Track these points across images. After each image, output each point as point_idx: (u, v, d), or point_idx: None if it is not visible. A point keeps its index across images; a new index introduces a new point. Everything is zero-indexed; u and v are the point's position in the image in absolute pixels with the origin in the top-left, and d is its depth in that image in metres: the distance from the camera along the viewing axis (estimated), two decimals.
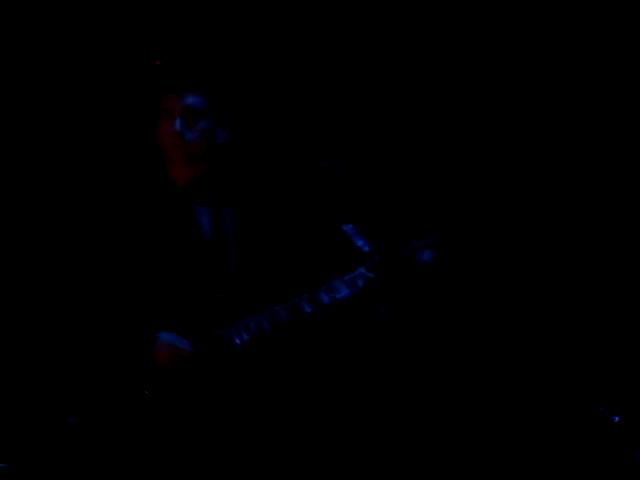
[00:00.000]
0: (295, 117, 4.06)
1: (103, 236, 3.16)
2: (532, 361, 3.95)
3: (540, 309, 3.96)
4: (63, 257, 3.19)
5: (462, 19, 4.12)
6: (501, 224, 3.95)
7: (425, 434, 3.91)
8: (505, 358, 3.96)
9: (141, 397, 3.02)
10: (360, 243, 2.90)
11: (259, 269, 3.21)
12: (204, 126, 3.17)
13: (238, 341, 3.05)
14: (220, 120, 3.22)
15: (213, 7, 4.07)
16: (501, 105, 4.05)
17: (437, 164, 4.06)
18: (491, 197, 3.98)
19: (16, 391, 3.81)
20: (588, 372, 3.87)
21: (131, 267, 3.12)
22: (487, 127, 4.06)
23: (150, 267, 3.12)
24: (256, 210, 3.29)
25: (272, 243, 3.27)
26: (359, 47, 4.06)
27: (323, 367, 3.59)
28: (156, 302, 3.08)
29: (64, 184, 3.99)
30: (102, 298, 3.09)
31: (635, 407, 3.02)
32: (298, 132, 4.02)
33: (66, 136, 4.04)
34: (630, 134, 4.06)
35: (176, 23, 4.06)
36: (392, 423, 3.91)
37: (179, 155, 3.15)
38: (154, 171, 3.26)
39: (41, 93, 4.05)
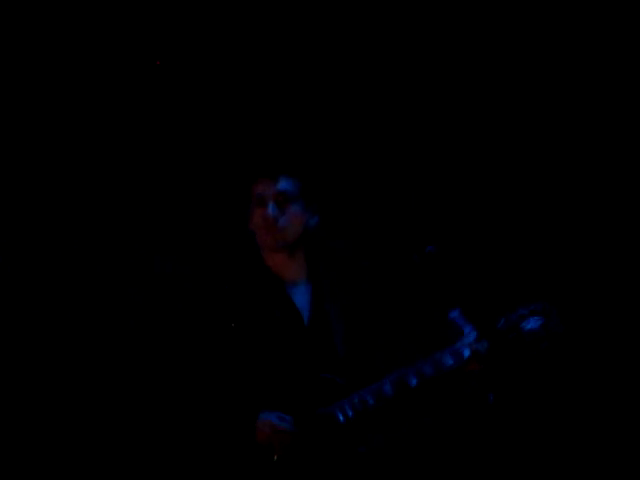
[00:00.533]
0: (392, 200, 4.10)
1: (205, 321, 3.17)
2: None
3: None
4: (170, 340, 3.22)
5: (459, 26, 4.16)
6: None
7: None
8: None
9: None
10: (467, 329, 2.87)
11: (363, 348, 3.20)
12: (296, 210, 3.19)
13: (342, 418, 3.04)
14: (312, 204, 3.24)
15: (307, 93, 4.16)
16: None
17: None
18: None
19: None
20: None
21: (233, 350, 3.12)
22: None
23: (252, 350, 3.11)
24: (358, 290, 3.27)
25: (376, 323, 3.25)
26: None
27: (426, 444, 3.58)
28: (260, 382, 3.09)
29: (168, 270, 4.12)
30: (206, 379, 3.11)
31: None
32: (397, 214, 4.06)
33: (169, 225, 4.17)
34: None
35: (270, 110, 4.14)
36: None
37: (271, 240, 3.18)
38: (250, 257, 3.27)
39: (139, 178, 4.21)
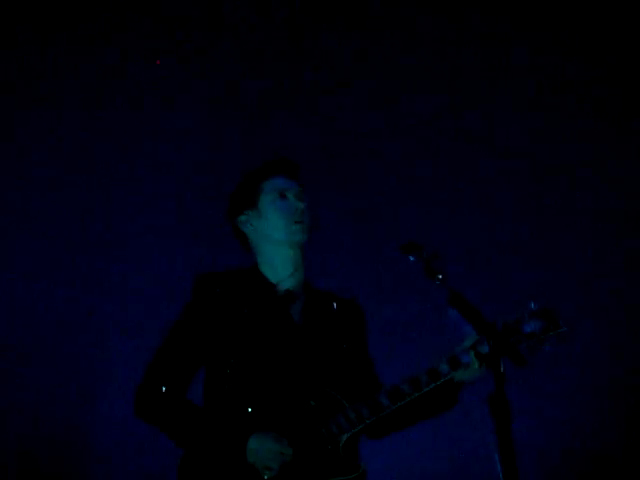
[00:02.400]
0: None
1: (196, 321, 3.13)
2: None
3: None
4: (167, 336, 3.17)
5: None
6: None
7: None
8: None
9: None
10: (467, 329, 2.84)
11: (354, 356, 3.22)
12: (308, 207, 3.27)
13: (336, 430, 3.01)
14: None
15: None
16: None
17: None
18: None
19: None
20: None
21: (226, 352, 3.09)
22: None
23: (244, 353, 3.08)
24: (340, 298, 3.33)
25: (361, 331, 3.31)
26: None
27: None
28: (252, 393, 3.05)
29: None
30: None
31: None
32: None
33: None
34: None
35: None
36: None
37: (301, 231, 3.20)
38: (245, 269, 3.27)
39: None
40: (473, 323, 2.65)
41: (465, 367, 3.03)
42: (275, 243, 3.22)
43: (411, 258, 2.89)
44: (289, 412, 3.02)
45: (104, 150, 5.70)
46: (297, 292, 3.22)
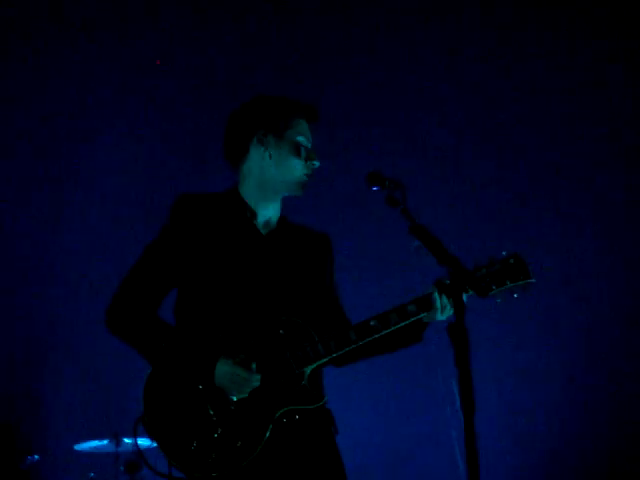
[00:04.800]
0: None
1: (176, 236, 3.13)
2: None
3: None
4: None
5: None
6: None
7: None
8: None
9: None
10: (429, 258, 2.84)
11: (321, 287, 3.24)
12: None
13: (302, 360, 3.03)
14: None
15: None
16: None
17: None
18: None
19: None
20: None
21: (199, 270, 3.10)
22: None
23: (216, 274, 3.08)
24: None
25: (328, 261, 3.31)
26: None
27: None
28: (223, 322, 3.07)
29: None
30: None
31: None
32: None
33: None
34: None
35: None
36: None
37: (304, 186, 3.21)
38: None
39: None
40: (434, 253, 2.69)
41: (431, 307, 3.07)
42: (274, 178, 3.19)
43: (374, 188, 2.94)
44: (258, 339, 3.05)
45: None
46: (272, 223, 3.22)
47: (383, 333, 3.06)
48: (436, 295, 3.07)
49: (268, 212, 3.22)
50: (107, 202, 6.69)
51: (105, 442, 5.79)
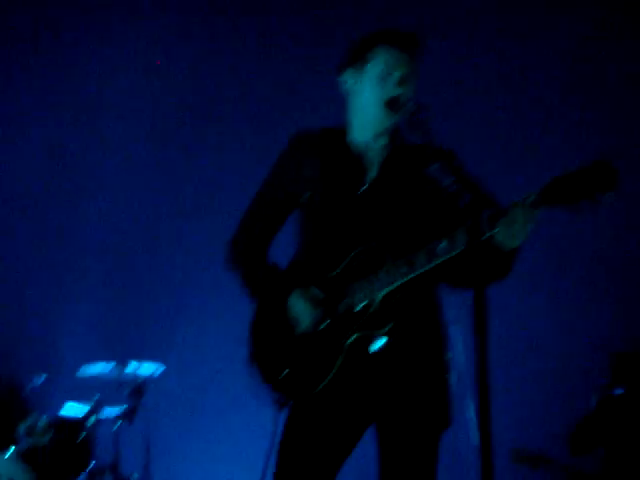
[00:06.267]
0: None
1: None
2: None
3: None
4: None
5: None
6: None
7: None
8: None
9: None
10: (447, 181, 2.81)
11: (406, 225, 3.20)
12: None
13: (376, 285, 3.07)
14: None
15: None
16: None
17: None
18: None
19: None
20: None
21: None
22: None
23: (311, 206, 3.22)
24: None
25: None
26: None
27: None
28: (312, 250, 3.23)
29: None
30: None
31: None
32: None
33: None
34: None
35: None
36: None
37: (385, 120, 3.17)
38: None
39: None
40: (456, 176, 2.67)
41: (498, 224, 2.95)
42: (366, 112, 3.21)
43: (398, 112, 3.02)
44: (340, 267, 3.15)
45: None
46: (382, 151, 3.23)
47: (453, 254, 2.99)
48: (507, 214, 2.93)
49: (375, 144, 3.22)
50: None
51: (112, 365, 5.85)
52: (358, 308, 3.10)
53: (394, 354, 3.11)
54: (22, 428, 5.31)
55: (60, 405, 5.91)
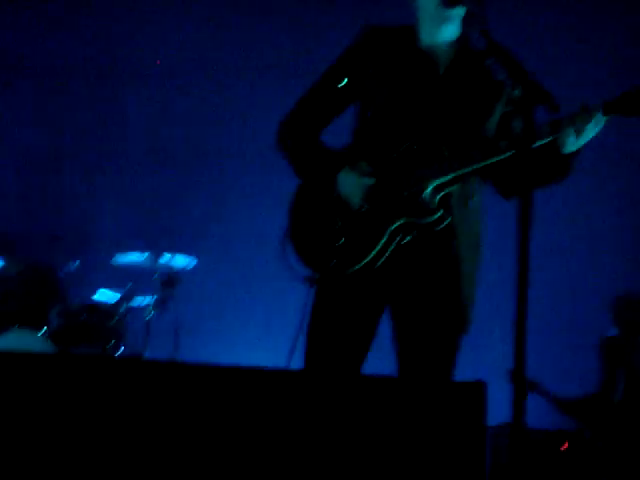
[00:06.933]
0: None
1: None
2: None
3: None
4: None
5: None
6: None
7: None
8: None
9: None
10: (503, 76, 2.81)
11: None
12: None
13: (427, 173, 3.09)
14: None
15: None
16: None
17: None
18: None
19: None
20: None
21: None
22: None
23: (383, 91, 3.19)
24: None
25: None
26: None
27: None
28: (369, 135, 3.21)
29: None
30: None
31: None
32: None
33: None
34: None
35: None
36: None
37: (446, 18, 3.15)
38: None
39: None
40: (508, 69, 2.65)
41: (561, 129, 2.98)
42: (426, 15, 3.20)
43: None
44: (395, 154, 3.15)
45: None
46: (449, 53, 3.22)
47: (508, 154, 3.01)
48: (570, 115, 2.96)
49: (440, 38, 3.20)
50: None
51: (145, 255, 5.92)
52: (405, 194, 3.11)
53: (425, 247, 3.13)
54: (55, 310, 5.40)
55: (93, 291, 6.01)
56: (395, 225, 3.11)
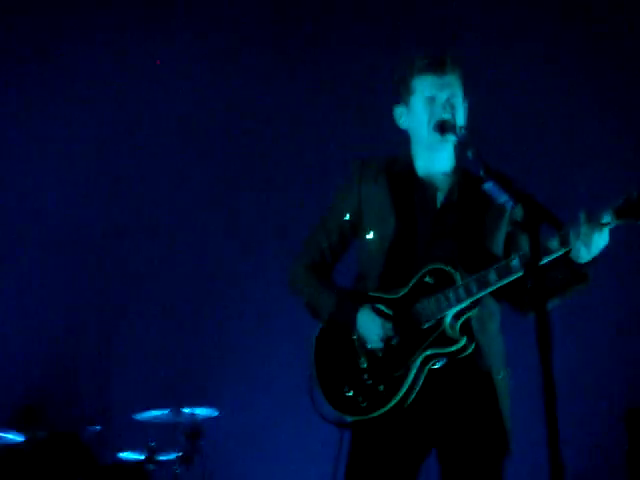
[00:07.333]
0: None
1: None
2: None
3: None
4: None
5: None
6: None
7: None
8: None
9: None
10: (503, 199, 2.85)
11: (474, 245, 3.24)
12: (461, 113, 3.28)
13: (443, 304, 3.11)
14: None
15: None
16: None
17: None
18: None
19: None
20: None
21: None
22: None
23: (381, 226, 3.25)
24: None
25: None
26: None
27: None
28: (377, 270, 3.25)
29: None
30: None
31: None
32: None
33: None
34: None
35: None
36: None
37: (437, 143, 3.24)
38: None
39: None
40: (508, 192, 2.70)
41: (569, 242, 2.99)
42: (418, 135, 3.30)
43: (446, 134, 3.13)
44: (406, 288, 3.18)
45: None
46: (448, 178, 3.29)
47: (521, 273, 3.02)
48: (575, 228, 2.98)
49: (436, 165, 3.29)
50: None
51: (166, 412, 5.87)
52: (426, 326, 3.12)
53: (454, 375, 3.13)
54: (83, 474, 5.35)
55: (115, 454, 5.93)
56: (421, 358, 3.10)
